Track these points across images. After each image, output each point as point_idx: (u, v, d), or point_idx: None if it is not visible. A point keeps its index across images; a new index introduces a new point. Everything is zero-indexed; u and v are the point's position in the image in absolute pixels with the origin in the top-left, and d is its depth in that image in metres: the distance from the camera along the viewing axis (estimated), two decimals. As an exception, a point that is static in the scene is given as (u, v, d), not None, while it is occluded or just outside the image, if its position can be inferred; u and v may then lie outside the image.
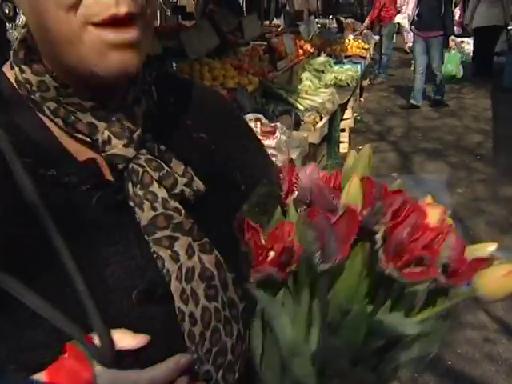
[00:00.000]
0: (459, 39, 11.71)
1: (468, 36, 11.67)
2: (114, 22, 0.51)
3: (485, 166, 5.29)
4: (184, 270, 0.60)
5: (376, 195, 0.58)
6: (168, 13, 10.71)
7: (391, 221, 0.56)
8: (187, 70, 4.30)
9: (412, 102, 7.30)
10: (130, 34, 0.53)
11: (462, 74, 7.72)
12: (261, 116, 3.44)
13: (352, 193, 0.59)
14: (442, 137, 6.23)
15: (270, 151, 3.06)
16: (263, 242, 0.59)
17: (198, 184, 0.62)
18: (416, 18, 7.33)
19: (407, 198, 0.58)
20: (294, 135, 3.44)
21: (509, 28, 9.22)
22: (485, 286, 0.58)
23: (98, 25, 0.52)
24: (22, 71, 0.57)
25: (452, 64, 7.52)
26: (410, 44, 8.80)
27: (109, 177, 0.60)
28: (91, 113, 0.58)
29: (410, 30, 8.03)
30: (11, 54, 0.59)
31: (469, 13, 8.70)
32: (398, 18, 9.71)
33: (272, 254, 0.58)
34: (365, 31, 8.62)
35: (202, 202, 0.64)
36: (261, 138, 3.30)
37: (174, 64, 4.59)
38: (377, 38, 8.94)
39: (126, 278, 0.58)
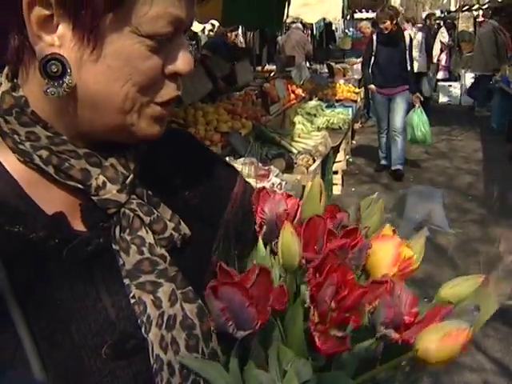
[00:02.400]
0: (447, 83, 12.05)
1: (455, 80, 12.01)
2: (169, 102, 0.59)
3: (477, 206, 5.34)
4: (166, 318, 0.59)
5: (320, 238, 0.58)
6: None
7: (314, 279, 0.54)
8: (182, 114, 4.37)
9: (383, 162, 6.55)
10: (169, 110, 0.61)
11: (430, 140, 6.19)
12: (254, 160, 3.48)
13: (284, 242, 0.58)
14: (434, 178, 6.30)
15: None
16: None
17: (185, 229, 0.63)
18: (373, 74, 6.17)
19: (340, 244, 0.56)
20: (288, 178, 3.48)
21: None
22: (425, 347, 0.52)
23: (157, 103, 0.59)
24: (6, 122, 0.57)
25: (419, 127, 5.98)
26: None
27: (79, 227, 0.60)
28: (85, 159, 0.59)
29: (365, 87, 6.93)
30: None
31: None
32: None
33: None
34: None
35: (187, 250, 0.64)
36: (254, 180, 3.33)
37: (169, 109, 4.67)
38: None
39: (93, 334, 0.56)
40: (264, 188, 0.67)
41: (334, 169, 5.54)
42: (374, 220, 0.67)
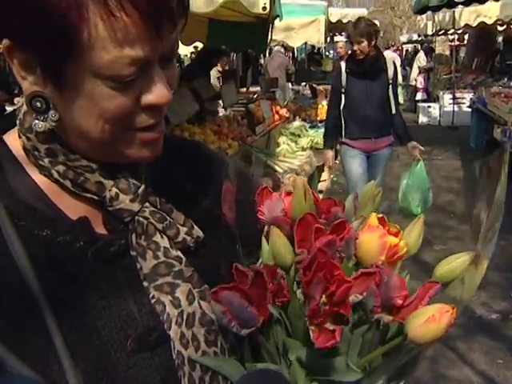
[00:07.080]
0: (426, 104, 12.31)
1: (433, 101, 12.29)
2: (151, 127, 0.60)
3: (458, 223, 5.45)
4: (185, 316, 0.63)
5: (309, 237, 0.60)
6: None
7: (303, 277, 0.57)
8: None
9: None
10: (159, 133, 0.62)
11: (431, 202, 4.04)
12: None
13: (273, 245, 0.61)
14: (416, 196, 6.42)
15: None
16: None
17: (198, 232, 0.67)
18: (344, 119, 4.13)
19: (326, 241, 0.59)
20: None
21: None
22: (413, 330, 0.57)
23: (137, 129, 0.60)
24: (28, 139, 0.62)
25: (417, 190, 3.89)
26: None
27: (101, 230, 0.64)
28: (99, 173, 0.63)
29: (326, 145, 4.48)
30: (17, 124, 0.63)
31: None
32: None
33: None
34: None
35: (201, 250, 0.68)
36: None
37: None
38: None
39: (118, 329, 0.60)
40: (266, 187, 0.68)
41: (319, 188, 5.62)
42: (367, 209, 0.70)
